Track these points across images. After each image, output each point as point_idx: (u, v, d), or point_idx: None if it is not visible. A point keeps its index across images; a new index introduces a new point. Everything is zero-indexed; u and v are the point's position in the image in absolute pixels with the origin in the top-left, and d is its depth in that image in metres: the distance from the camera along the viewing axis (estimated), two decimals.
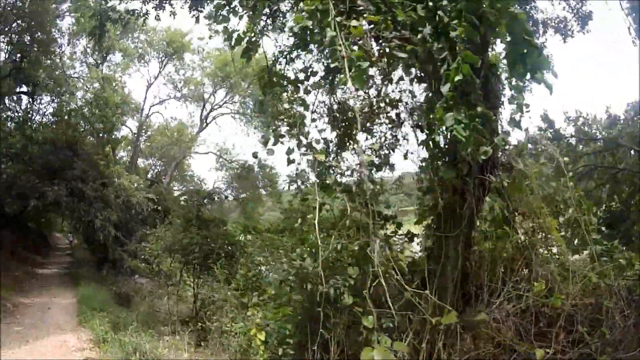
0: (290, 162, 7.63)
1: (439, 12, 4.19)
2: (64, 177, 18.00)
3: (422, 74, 5.40)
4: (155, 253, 13.98)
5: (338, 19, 4.23)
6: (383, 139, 15.06)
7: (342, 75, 3.97)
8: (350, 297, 4.64)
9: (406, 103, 7.16)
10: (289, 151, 6.48)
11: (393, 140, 16.00)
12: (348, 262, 5.10)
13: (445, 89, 3.85)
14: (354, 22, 4.14)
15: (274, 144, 5.89)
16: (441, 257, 5.25)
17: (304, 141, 7.19)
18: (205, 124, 36.78)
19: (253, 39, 7.75)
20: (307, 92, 6.94)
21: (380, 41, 4.67)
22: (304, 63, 10.65)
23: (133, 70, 35.66)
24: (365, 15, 4.37)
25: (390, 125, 14.15)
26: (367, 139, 17.69)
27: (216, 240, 12.92)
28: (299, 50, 11.41)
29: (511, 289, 5.15)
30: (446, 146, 5.47)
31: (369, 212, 4.91)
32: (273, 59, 11.57)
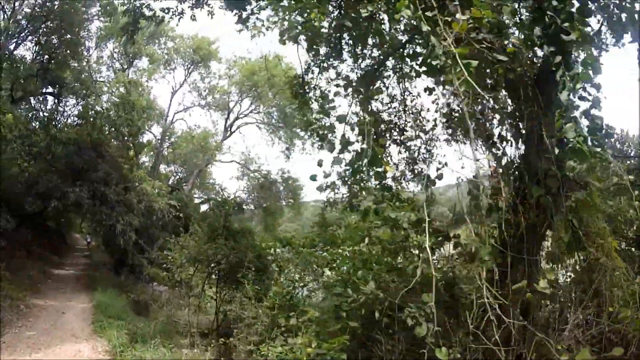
0: (326, 175, 7.61)
1: (549, 14, 3.72)
2: (87, 178, 17.64)
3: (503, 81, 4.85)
4: (178, 262, 13.36)
5: (429, 13, 3.76)
6: (416, 152, 14.35)
7: (451, 75, 3.41)
8: (424, 326, 3.97)
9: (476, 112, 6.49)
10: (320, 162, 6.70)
11: (427, 154, 15.03)
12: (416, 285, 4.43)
13: (564, 96, 3.42)
14: (460, 16, 3.60)
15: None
16: (507, 280, 4.76)
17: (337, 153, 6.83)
18: (229, 132, 36.56)
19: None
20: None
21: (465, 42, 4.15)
22: (337, 73, 10.97)
23: (159, 77, 35.86)
24: (467, 10, 3.83)
25: (426, 138, 13.27)
26: (399, 152, 16.44)
27: (245, 252, 12.28)
28: (332, 60, 11.06)
29: (580, 314, 4.89)
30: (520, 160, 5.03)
31: (428, 230, 4.51)
32: (305, 67, 11.17)
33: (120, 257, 19.66)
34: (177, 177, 39.29)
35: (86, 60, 23.70)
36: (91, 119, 18.55)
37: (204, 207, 36.61)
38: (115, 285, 17.80)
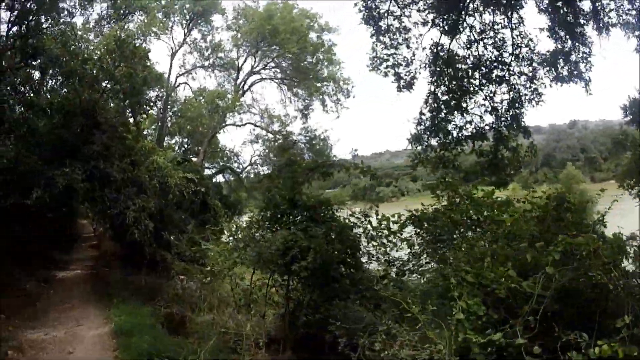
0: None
1: None
2: (80, 155, 13.14)
3: None
4: (227, 260, 9.23)
5: None
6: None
7: None
8: None
9: None
10: None
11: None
12: None
13: None
14: None
15: None
16: None
17: None
18: (241, 91, 31.84)
19: None
20: None
21: None
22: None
23: (154, 39, 30.64)
24: None
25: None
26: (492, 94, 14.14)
27: (339, 239, 8.09)
28: None
29: None
30: None
31: None
32: None
33: (135, 250, 15.40)
34: (182, 149, 34.79)
35: (70, 26, 18.57)
36: (78, 70, 13.58)
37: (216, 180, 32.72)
38: (134, 288, 13.75)
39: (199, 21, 31.27)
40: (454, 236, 6.87)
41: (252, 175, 35.72)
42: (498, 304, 5.24)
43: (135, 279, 15.05)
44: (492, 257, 5.83)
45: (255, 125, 32.92)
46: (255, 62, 32.29)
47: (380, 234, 8.24)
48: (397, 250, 7.96)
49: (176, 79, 31.93)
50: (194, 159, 31.11)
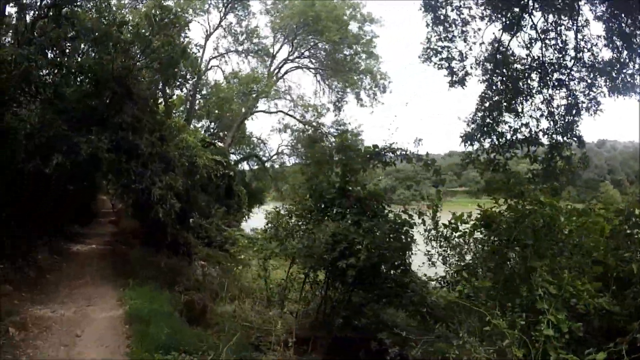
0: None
1: None
2: (108, 124, 12.21)
3: None
4: (262, 250, 8.30)
5: None
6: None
7: None
8: None
9: None
10: None
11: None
12: None
13: None
14: None
15: None
16: None
17: None
18: (274, 78, 30.85)
19: None
20: None
21: None
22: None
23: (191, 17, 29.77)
24: None
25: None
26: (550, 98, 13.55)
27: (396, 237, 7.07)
28: None
29: None
30: None
31: None
32: None
33: (157, 230, 14.55)
34: (208, 133, 33.95)
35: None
36: (113, 34, 12.53)
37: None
38: (153, 269, 12.94)
39: (236, 4, 30.38)
40: (532, 243, 5.86)
41: (277, 166, 34.79)
42: (577, 319, 4.85)
43: (155, 259, 14.26)
44: (573, 269, 5.38)
45: (287, 114, 31.88)
46: (291, 49, 31.20)
47: (446, 234, 7.17)
48: (466, 254, 6.91)
49: (209, 62, 31.09)
50: (219, 144, 30.30)
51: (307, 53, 31.93)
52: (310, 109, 31.34)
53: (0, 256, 10.14)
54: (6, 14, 13.73)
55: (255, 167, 35.18)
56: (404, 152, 8.92)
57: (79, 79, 13.35)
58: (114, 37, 12.51)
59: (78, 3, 13.84)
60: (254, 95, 29.11)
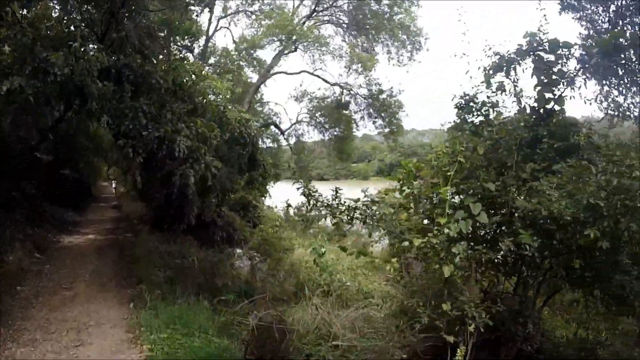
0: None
1: None
2: (106, 42, 7.88)
3: None
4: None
5: None
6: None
7: None
8: None
9: None
10: None
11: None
12: None
13: None
14: None
15: None
16: None
17: None
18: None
19: None
20: None
21: None
22: None
23: None
24: None
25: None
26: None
27: None
28: None
29: None
30: None
31: None
32: None
33: (175, 210, 10.27)
34: None
35: None
36: None
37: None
38: (172, 266, 8.74)
39: None
40: None
41: (293, 138, 30.32)
42: None
43: (172, 250, 10.00)
44: None
45: (312, 74, 27.17)
46: (313, 2, 26.50)
47: None
48: None
49: (217, 22, 26.55)
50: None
51: (332, 8, 27.30)
52: (355, 58, 26.46)
53: None
54: None
55: (268, 140, 30.53)
56: None
57: None
58: None
59: None
60: (293, 38, 24.32)
